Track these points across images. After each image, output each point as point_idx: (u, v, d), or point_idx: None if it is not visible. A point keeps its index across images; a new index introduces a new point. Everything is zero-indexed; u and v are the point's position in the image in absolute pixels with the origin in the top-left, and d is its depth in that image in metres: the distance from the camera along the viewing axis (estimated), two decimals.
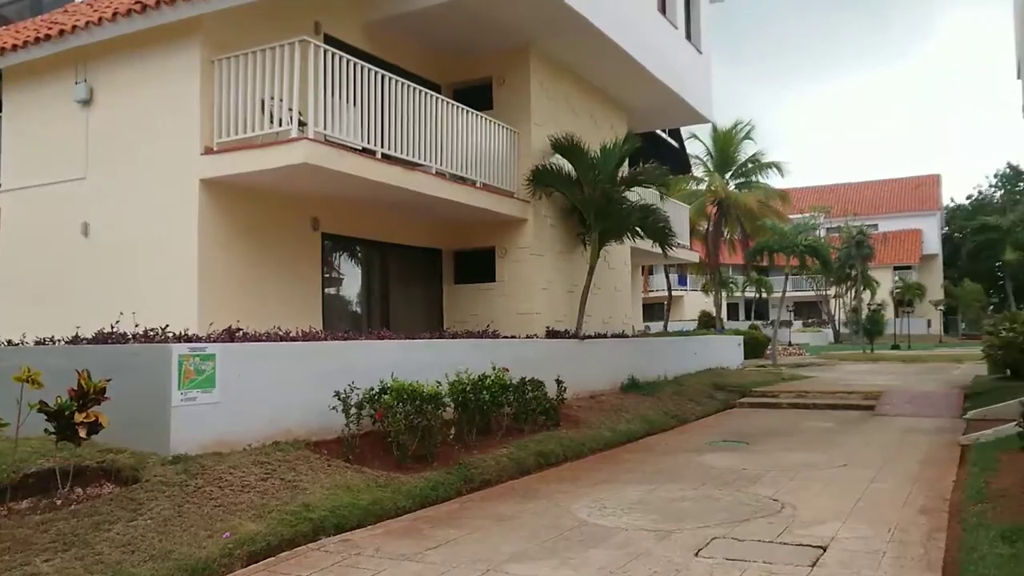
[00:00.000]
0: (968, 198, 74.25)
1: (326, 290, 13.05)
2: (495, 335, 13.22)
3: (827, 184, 69.65)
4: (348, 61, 10.82)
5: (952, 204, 73.78)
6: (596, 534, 7.06)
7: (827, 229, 52.21)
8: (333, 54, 10.59)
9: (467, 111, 13.60)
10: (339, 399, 8.89)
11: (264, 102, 10.46)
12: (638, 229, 16.47)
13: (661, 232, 16.66)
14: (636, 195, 16.65)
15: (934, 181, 68.59)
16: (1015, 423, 11.50)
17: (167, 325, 8.94)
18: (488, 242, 15.33)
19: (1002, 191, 68.31)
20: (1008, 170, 69.21)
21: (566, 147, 15.27)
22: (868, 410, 16.73)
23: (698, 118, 20.42)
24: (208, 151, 10.66)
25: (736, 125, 33.28)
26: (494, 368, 11.16)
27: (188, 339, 8.55)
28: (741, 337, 26.11)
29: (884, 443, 12.25)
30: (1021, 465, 8.62)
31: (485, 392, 10.56)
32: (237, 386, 8.28)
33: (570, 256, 16.22)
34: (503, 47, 14.93)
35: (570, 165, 15.38)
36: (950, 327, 65.66)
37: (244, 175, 10.53)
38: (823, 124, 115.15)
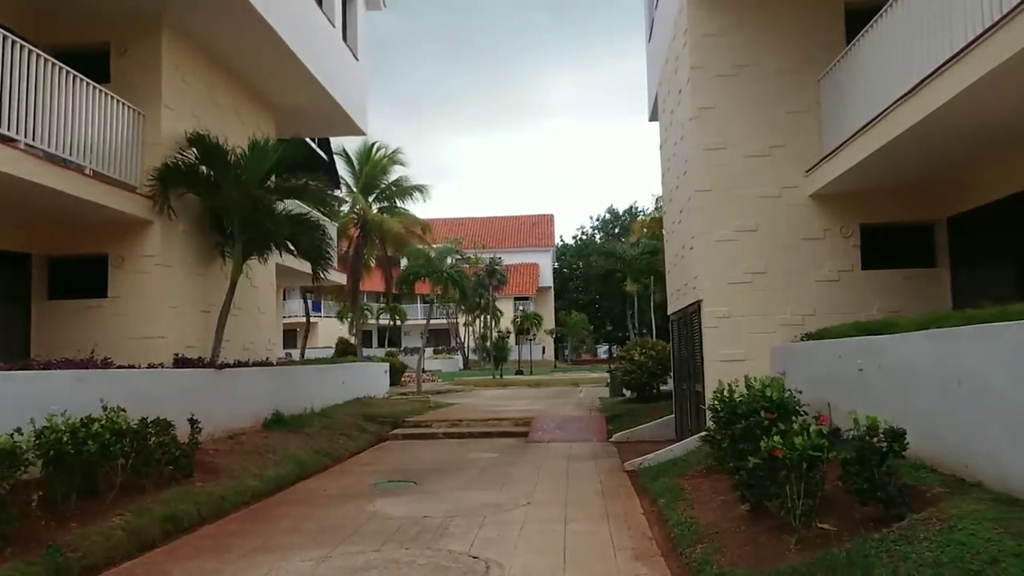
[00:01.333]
0: (574, 238, 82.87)
1: None
2: (107, 364, 10.25)
3: (456, 217, 72.77)
4: None
5: (561, 243, 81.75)
6: None
7: (457, 259, 54.12)
8: None
9: (73, 74, 10.56)
10: None
11: None
12: (289, 244, 14.45)
13: (317, 251, 14.80)
14: (288, 206, 14.62)
15: (549, 220, 75.31)
16: (668, 445, 11.70)
17: None
18: (99, 248, 12.14)
19: (601, 233, 77.28)
20: (607, 214, 78.64)
21: (204, 142, 12.77)
22: (522, 437, 16.49)
23: (354, 128, 18.97)
24: None
25: (375, 146, 32.48)
26: (105, 408, 8.45)
27: None
28: (388, 365, 25.03)
29: (554, 473, 11.73)
30: (707, 492, 8.38)
31: (91, 442, 7.82)
32: None
33: (206, 270, 13.62)
34: (126, 8, 12.06)
35: (209, 164, 12.89)
36: (559, 353, 72.19)
37: None
38: (462, 166, 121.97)
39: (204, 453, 10.61)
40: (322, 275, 15.29)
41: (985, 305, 6.28)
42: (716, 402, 9.12)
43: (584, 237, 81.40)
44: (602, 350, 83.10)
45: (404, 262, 29.55)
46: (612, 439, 15.53)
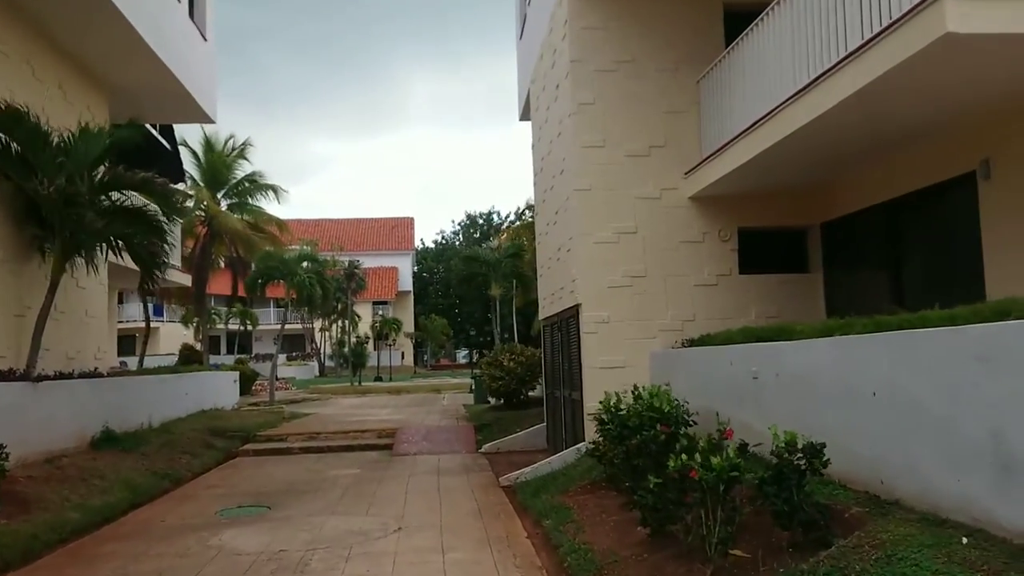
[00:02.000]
0: (434, 241, 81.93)
1: None
2: None
3: (312, 218, 70.03)
4: None
5: (422, 246, 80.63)
6: None
7: (312, 263, 51.87)
8: None
9: None
10: None
11: None
12: (120, 244, 12.81)
13: (150, 253, 13.20)
14: (122, 198, 12.96)
15: (409, 223, 74.00)
16: (541, 455, 11.11)
17: None
18: None
19: (462, 237, 76.71)
20: (466, 220, 78.17)
21: (17, 120, 11.03)
22: (387, 449, 15.48)
23: (200, 115, 17.29)
24: None
25: (230, 140, 30.40)
26: None
27: None
28: (237, 373, 23.22)
29: (424, 491, 10.84)
30: (596, 511, 7.77)
31: None
32: None
33: (21, 268, 11.79)
34: None
35: (25, 146, 11.15)
36: (419, 358, 71.03)
37: None
38: (323, 169, 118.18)
39: (12, 482, 8.99)
40: (154, 280, 13.66)
41: (893, 311, 5.97)
42: (604, 413, 8.56)
43: (444, 241, 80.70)
44: (462, 355, 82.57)
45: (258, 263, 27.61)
46: (482, 450, 14.81)
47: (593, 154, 11.29)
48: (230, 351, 63.85)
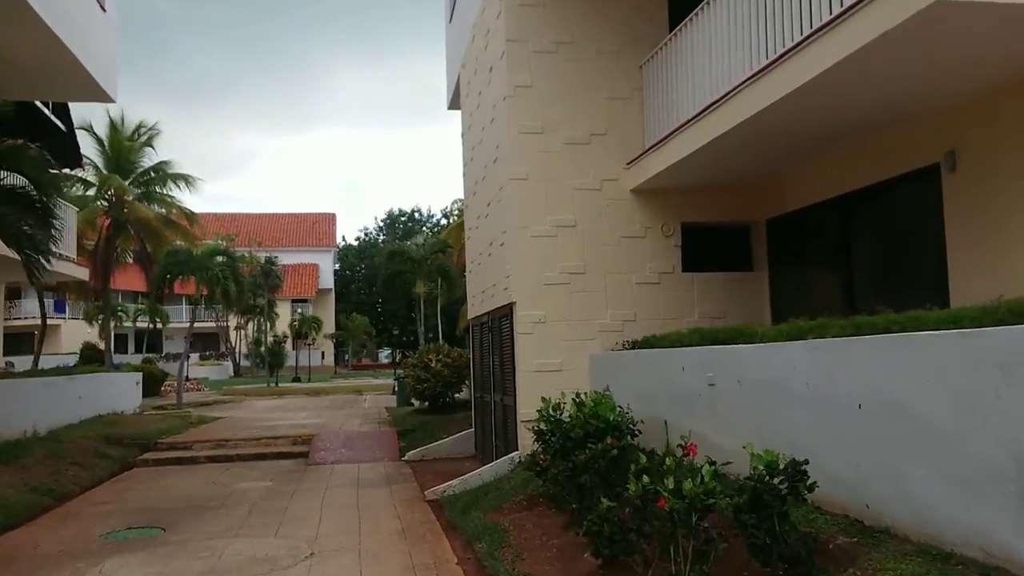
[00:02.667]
0: (357, 239, 80.00)
1: None
2: None
3: (228, 212, 67.23)
4: None
5: (344, 243, 78.66)
6: None
7: (225, 259, 49.54)
8: None
9: None
10: None
11: None
12: None
13: (30, 243, 11.79)
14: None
15: (330, 219, 71.93)
16: (469, 463, 10.31)
17: None
18: None
19: (385, 234, 74.98)
20: (387, 218, 76.46)
21: None
22: (302, 457, 14.36)
23: (98, 93, 15.71)
24: None
25: (139, 127, 28.51)
26: None
27: None
28: (140, 375, 21.54)
29: (343, 507, 9.84)
30: (535, 533, 6.94)
31: None
32: None
33: None
34: None
35: None
36: (339, 358, 69.10)
37: None
38: (243, 164, 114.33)
39: None
40: (37, 270, 12.23)
41: (876, 311, 5.32)
42: (541, 422, 7.76)
43: (367, 237, 78.92)
44: (384, 355, 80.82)
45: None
46: (406, 457, 13.85)
47: (530, 140, 10.48)
48: (139, 350, 60.72)
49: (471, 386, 14.61)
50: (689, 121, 8.74)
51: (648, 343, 9.15)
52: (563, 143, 10.53)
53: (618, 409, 7.54)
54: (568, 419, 7.36)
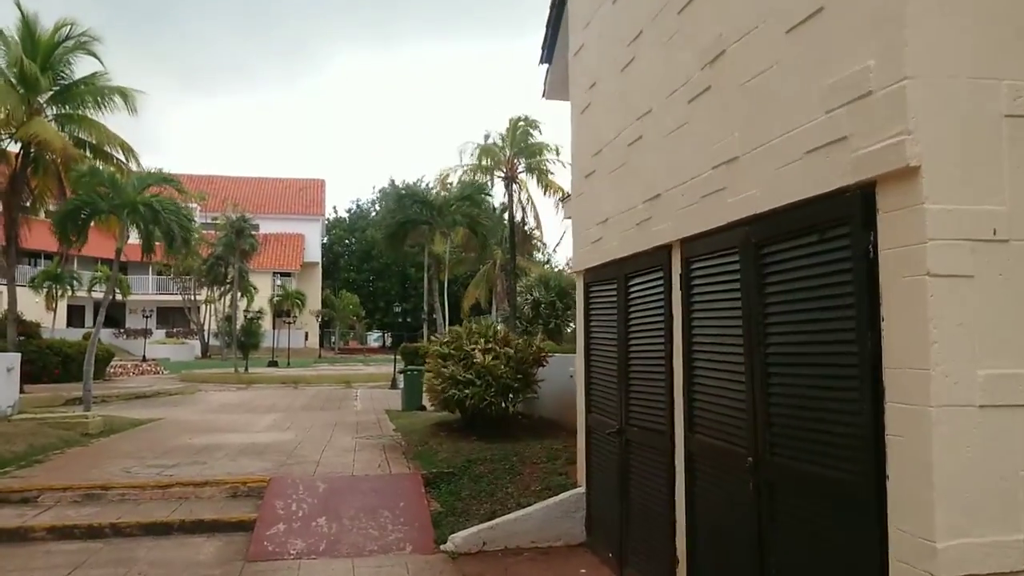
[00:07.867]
0: (348, 211, 72.76)
1: None
2: None
3: (205, 174, 59.50)
4: None
5: (334, 215, 71.43)
6: None
7: (202, 223, 42.18)
8: None
9: None
10: None
11: None
12: None
13: None
14: None
15: (319, 186, 64.51)
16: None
17: None
18: None
19: (380, 205, 67.56)
20: (388, 187, 68.90)
21: None
22: (241, 533, 7.30)
23: None
24: None
25: (63, 24, 21.14)
26: None
27: None
28: (17, 357, 14.33)
29: None
30: None
31: None
32: None
33: None
34: None
35: None
36: (325, 340, 61.98)
37: None
38: (222, 129, 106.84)
39: None
40: None
41: None
42: None
43: (359, 209, 71.73)
44: (373, 337, 73.63)
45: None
46: (449, 545, 6.85)
47: None
48: (105, 324, 53.39)
49: (580, 402, 7.48)
50: None
51: None
52: None
53: None
54: None
